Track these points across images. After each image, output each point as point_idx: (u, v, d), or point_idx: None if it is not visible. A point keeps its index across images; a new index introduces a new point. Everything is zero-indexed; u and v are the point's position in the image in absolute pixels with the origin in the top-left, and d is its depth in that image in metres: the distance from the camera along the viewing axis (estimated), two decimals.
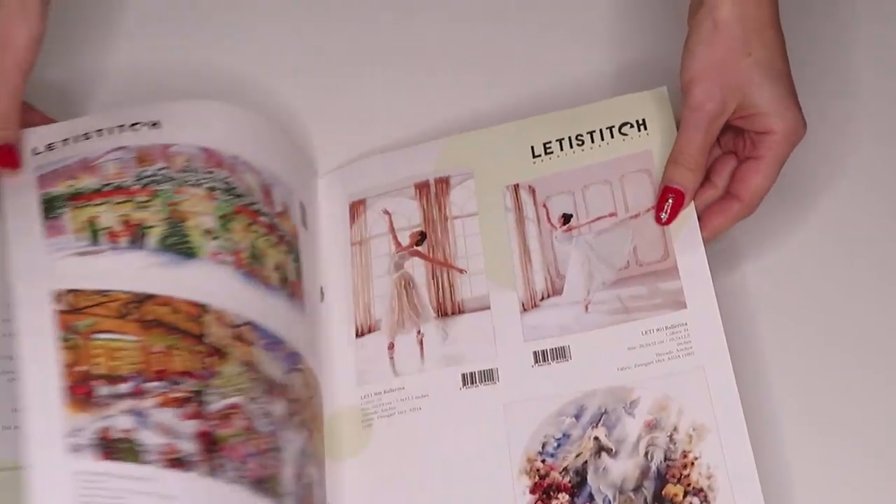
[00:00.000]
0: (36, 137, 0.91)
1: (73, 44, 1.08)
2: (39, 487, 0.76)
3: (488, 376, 0.89)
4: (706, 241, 0.90)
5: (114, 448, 0.78)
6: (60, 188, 0.87)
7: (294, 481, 0.84)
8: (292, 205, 0.94)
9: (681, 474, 0.83)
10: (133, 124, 0.91)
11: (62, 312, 0.81)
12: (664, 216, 0.90)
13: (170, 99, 0.95)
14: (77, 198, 0.87)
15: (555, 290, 0.92)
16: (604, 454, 0.85)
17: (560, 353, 0.89)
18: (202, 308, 0.84)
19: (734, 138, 0.93)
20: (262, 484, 0.81)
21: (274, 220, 0.91)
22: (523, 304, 0.91)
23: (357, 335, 0.93)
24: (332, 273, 0.96)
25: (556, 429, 0.86)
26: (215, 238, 0.87)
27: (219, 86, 1.06)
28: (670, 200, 0.90)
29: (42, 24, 0.91)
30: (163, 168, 0.89)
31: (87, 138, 0.91)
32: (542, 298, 0.92)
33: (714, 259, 0.90)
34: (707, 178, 0.92)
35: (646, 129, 0.95)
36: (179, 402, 0.80)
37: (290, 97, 1.06)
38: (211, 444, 0.80)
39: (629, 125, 0.95)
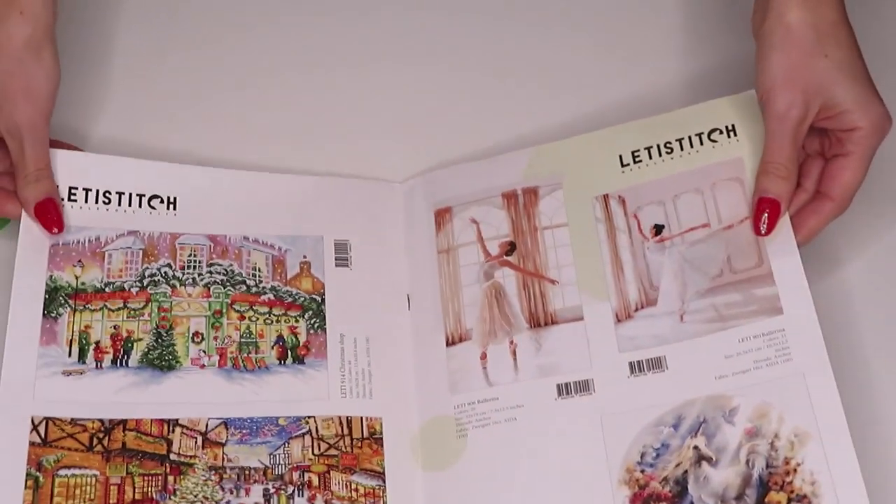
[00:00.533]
0: (63, 172, 0.95)
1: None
2: None
3: (584, 387, 0.89)
4: (801, 245, 0.90)
5: None
6: (67, 275, 0.92)
7: None
8: (319, 253, 0.96)
9: (783, 481, 0.82)
10: (151, 199, 0.96)
11: (34, 445, 0.85)
12: (763, 228, 0.90)
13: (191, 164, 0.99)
14: (78, 297, 0.92)
15: (648, 301, 0.91)
16: (704, 463, 0.84)
17: (656, 364, 0.88)
18: (171, 423, 0.88)
19: (819, 139, 0.93)
20: None
21: (283, 290, 0.95)
22: (617, 315, 0.91)
23: (448, 344, 0.93)
24: (418, 281, 0.96)
25: (655, 439, 0.86)
26: (200, 342, 0.92)
27: (282, 84, 1.08)
28: (767, 212, 0.90)
29: (58, 69, 0.94)
30: (165, 265, 0.94)
31: (108, 202, 0.95)
32: (636, 309, 0.91)
33: (809, 262, 0.89)
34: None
35: (735, 135, 0.94)
36: None
37: (365, 102, 1.07)
38: None
39: (718, 131, 0.95)
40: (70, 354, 0.90)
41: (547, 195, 0.97)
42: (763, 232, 0.90)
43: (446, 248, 0.97)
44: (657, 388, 0.88)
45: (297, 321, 0.94)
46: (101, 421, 0.87)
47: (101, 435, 0.87)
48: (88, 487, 0.85)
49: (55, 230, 0.92)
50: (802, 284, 0.88)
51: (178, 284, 0.94)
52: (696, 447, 0.85)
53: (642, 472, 0.85)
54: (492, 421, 0.89)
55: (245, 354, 0.92)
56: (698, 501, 0.83)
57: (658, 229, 0.93)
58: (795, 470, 0.83)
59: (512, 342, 0.92)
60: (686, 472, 0.84)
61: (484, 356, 0.92)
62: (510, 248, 0.96)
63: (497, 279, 0.95)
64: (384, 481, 0.88)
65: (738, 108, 0.95)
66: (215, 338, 0.92)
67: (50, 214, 0.92)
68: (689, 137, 0.95)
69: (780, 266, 0.89)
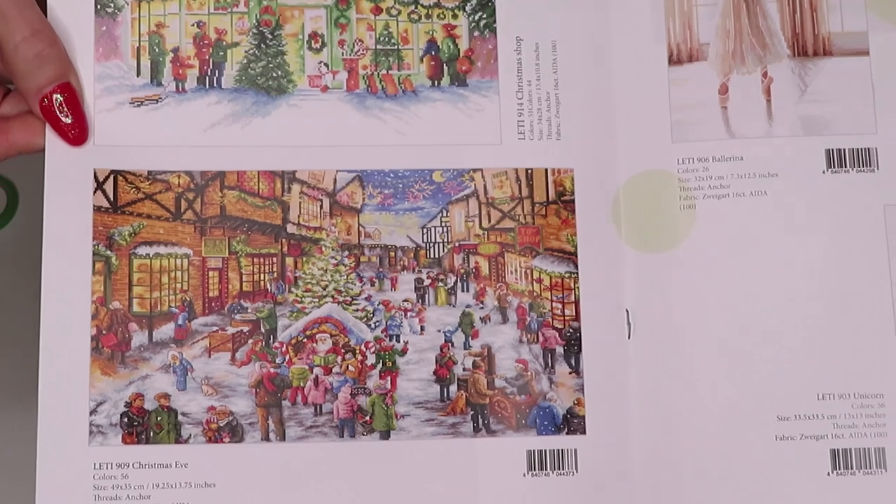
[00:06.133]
0: None
1: None
2: (51, 482, 0.59)
3: (864, 160, 0.65)
4: None
5: (143, 424, 0.60)
6: None
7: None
8: None
9: None
10: None
11: (100, 212, 0.61)
12: None
13: None
14: None
15: None
16: None
17: None
18: (287, 177, 0.63)
19: None
20: (356, 418, 0.63)
21: None
22: None
23: (671, 62, 0.66)
24: None
25: None
26: (320, 49, 0.64)
27: None
28: None
29: None
30: None
31: None
32: None
33: None
34: None
35: None
36: (237, 340, 0.62)
37: None
38: (274, 390, 0.62)
39: None
40: (139, 72, 0.63)
41: None
42: None
43: None
44: None
45: (455, 16, 0.66)
46: (190, 174, 0.62)
47: (191, 195, 0.62)
48: (179, 272, 0.62)
49: (73, 132, 0.61)
50: None
51: None
52: None
53: None
54: (732, 191, 0.65)
55: (384, 70, 0.65)
56: None
57: None
58: None
59: (766, 74, 0.66)
60: None
61: (724, 89, 0.66)
62: None
63: None
64: (576, 266, 0.65)
65: None
66: (341, 42, 0.65)
67: (63, 108, 0.61)
68: None
69: None
